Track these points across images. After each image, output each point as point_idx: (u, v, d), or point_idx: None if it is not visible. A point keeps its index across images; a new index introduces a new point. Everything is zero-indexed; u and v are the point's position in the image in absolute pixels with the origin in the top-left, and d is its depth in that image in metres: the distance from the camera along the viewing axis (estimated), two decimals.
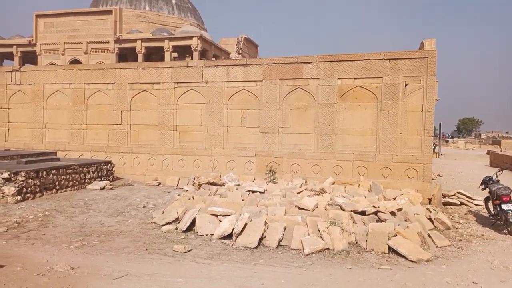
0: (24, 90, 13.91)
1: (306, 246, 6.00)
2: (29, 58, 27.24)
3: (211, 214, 7.12)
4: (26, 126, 13.91)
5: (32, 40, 25.82)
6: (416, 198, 9.25)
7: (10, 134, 14.14)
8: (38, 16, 25.68)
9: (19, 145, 13.91)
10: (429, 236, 6.79)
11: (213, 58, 26.31)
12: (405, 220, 7.34)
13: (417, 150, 10.30)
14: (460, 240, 6.97)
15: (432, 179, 11.80)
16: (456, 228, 7.73)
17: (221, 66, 12.01)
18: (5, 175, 8.62)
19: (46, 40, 25.51)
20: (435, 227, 7.57)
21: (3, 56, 27.26)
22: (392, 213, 7.44)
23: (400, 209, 7.72)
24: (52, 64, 24.20)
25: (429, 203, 9.81)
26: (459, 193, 10.29)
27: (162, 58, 24.96)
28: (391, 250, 6.02)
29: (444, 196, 10.27)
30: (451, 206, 9.80)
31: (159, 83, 12.50)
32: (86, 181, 10.89)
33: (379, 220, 7.06)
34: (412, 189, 10.00)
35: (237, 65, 11.89)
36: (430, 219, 7.75)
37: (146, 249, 5.93)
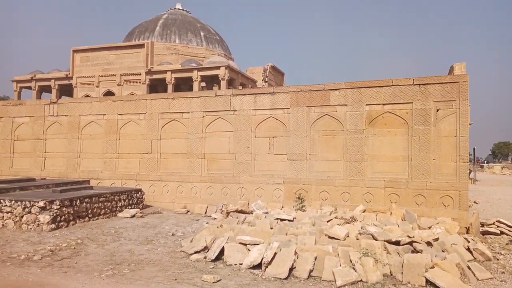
0: (60, 121, 14.55)
1: (338, 277, 5.79)
2: (66, 90, 28.65)
3: (240, 243, 7.04)
4: (61, 156, 14.46)
5: (69, 73, 27.21)
6: (453, 227, 8.85)
7: (46, 163, 14.71)
8: (75, 51, 27.16)
9: (55, 174, 14.42)
10: (469, 268, 6.42)
11: (240, 87, 26.79)
12: (442, 251, 7.00)
13: (452, 177, 9.94)
14: (503, 272, 6.55)
15: (469, 206, 11.30)
16: (497, 260, 7.29)
17: (249, 94, 12.19)
18: (41, 203, 8.92)
19: (82, 73, 26.83)
20: (475, 258, 7.17)
21: (41, 89, 28.78)
22: (428, 243, 7.12)
23: (436, 239, 7.39)
24: (87, 96, 25.34)
25: (467, 233, 9.34)
26: (498, 221, 9.76)
27: (190, 88, 25.64)
28: (429, 282, 5.73)
29: (482, 225, 9.76)
30: (491, 236, 9.28)
31: (188, 112, 12.79)
32: (117, 209, 11.09)
33: (415, 251, 6.77)
34: (448, 217, 9.59)
35: (264, 93, 12.04)
36: (468, 249, 7.36)
37: (176, 279, 5.90)
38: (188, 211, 12.22)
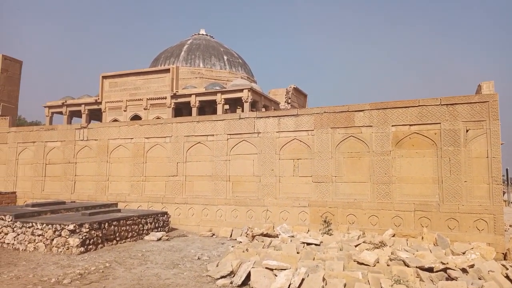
0: (90, 146, 14.99)
1: None
2: (95, 115, 29.61)
3: (266, 268, 6.94)
4: (90, 179, 14.82)
5: (98, 98, 28.18)
6: (489, 252, 8.45)
7: (76, 186, 15.10)
8: (104, 77, 28.19)
9: (84, 197, 14.77)
10: None
11: (263, 109, 27.00)
12: (479, 278, 6.67)
13: (485, 200, 9.56)
14: None
15: (505, 230, 10.79)
16: None
17: (272, 117, 12.25)
18: (71, 227, 9.11)
19: (110, 98, 27.73)
20: None
21: (72, 114, 29.85)
22: (463, 270, 6.81)
23: (472, 266, 7.06)
24: (115, 120, 26.11)
25: (504, 259, 8.90)
26: None
27: (214, 111, 26.05)
28: None
29: None
30: None
31: (213, 135, 12.94)
32: (144, 232, 11.19)
33: (449, 278, 6.48)
34: (482, 242, 9.18)
35: (288, 115, 12.07)
36: (507, 277, 6.98)
37: None
38: (213, 234, 12.19)
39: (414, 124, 10.42)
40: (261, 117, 12.40)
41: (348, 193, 11.00)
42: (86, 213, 10.62)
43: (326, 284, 6.22)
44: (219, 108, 25.61)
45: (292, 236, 9.95)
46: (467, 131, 9.89)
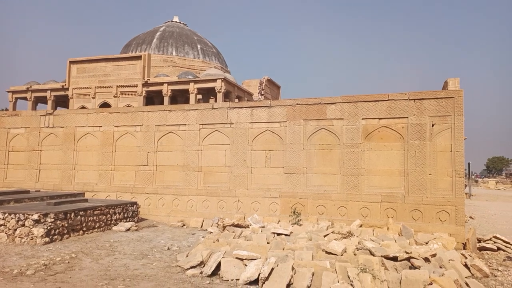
0: (56, 133, 14.48)
1: None
2: (61, 101, 28.54)
3: (237, 258, 6.98)
4: (56, 168, 14.34)
5: (65, 84, 27.15)
6: (450, 242, 8.83)
7: (40, 175, 14.58)
8: (71, 62, 27.15)
9: (49, 186, 14.28)
10: (467, 284, 6.40)
11: (236, 99, 26.87)
12: (440, 267, 6.96)
13: (448, 192, 9.96)
14: None
15: (465, 222, 11.30)
16: (495, 276, 7.27)
17: (246, 107, 12.22)
18: (35, 216, 8.80)
19: (78, 84, 26.78)
20: (472, 274, 7.15)
21: (37, 100, 28.64)
22: (426, 259, 7.09)
23: (434, 255, 7.36)
24: (83, 107, 25.26)
25: (464, 248, 9.34)
26: (495, 237, 9.75)
27: (187, 100, 25.67)
28: None
29: (479, 241, 9.76)
30: (487, 252, 9.27)
31: (185, 124, 12.79)
32: (112, 222, 10.97)
33: (412, 267, 6.73)
34: (444, 233, 9.59)
35: (261, 106, 12.08)
36: (466, 265, 7.35)
37: None
38: (184, 225, 12.11)
39: (383, 118, 10.68)
40: (234, 108, 12.34)
41: (319, 184, 11.18)
42: (51, 203, 10.28)
43: (295, 273, 6.32)
44: (192, 97, 25.25)
45: (263, 227, 10.03)
46: (432, 125, 10.23)
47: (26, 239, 8.73)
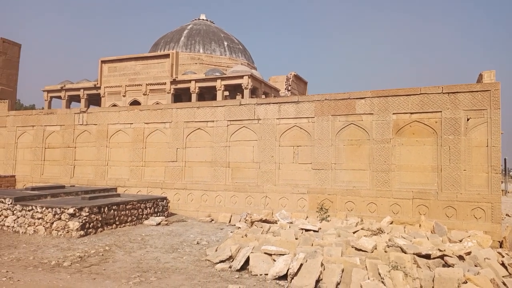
0: (89, 130, 14.96)
1: None
2: (94, 100, 29.43)
3: (265, 253, 7.00)
4: (90, 164, 14.83)
5: (97, 83, 27.96)
6: (485, 240, 8.51)
7: (75, 171, 15.11)
8: (103, 61, 27.91)
9: (83, 182, 14.79)
10: (504, 284, 6.15)
11: (263, 96, 26.86)
12: (475, 266, 6.73)
13: (483, 188, 9.60)
14: None
15: (502, 219, 10.87)
16: None
17: (273, 103, 12.20)
18: (71, 210, 9.14)
19: (109, 83, 27.53)
20: (510, 274, 6.85)
21: (71, 98, 29.65)
22: (460, 257, 6.87)
23: (468, 253, 7.12)
24: (114, 105, 25.97)
25: (500, 247, 8.98)
26: None
27: (214, 97, 25.89)
28: None
29: None
30: None
31: (213, 121, 12.91)
32: (143, 216, 11.24)
33: (446, 265, 6.54)
34: (479, 230, 9.26)
35: (289, 102, 12.02)
36: (503, 264, 7.05)
37: None
38: (212, 220, 12.25)
39: (415, 112, 10.39)
40: (262, 104, 12.35)
41: (347, 180, 11.03)
42: (86, 197, 10.65)
43: (324, 269, 6.28)
44: (219, 94, 25.44)
45: (291, 223, 10.01)
46: (467, 119, 9.87)
47: (62, 232, 9.09)
